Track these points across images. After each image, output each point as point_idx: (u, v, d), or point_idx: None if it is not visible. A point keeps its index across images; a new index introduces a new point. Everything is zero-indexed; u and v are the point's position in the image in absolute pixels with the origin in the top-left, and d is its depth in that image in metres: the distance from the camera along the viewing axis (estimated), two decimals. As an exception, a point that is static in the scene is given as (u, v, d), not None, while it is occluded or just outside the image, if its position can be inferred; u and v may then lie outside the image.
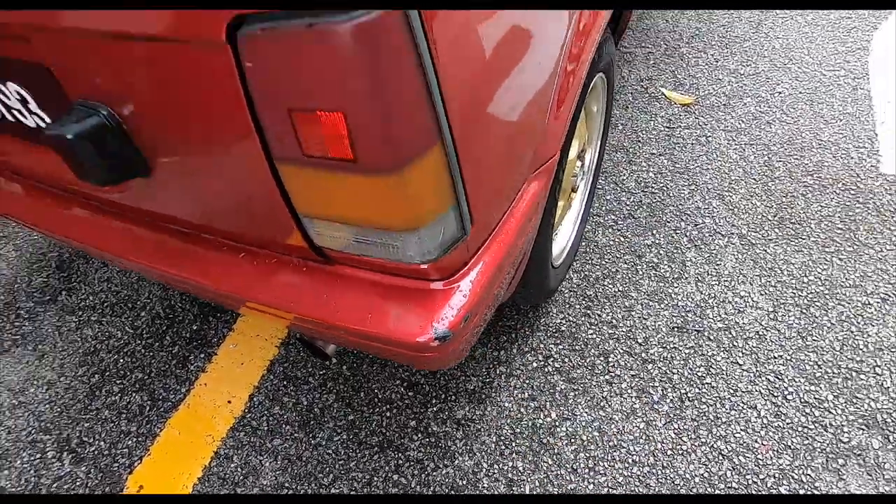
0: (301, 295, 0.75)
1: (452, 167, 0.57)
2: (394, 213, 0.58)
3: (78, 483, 1.27)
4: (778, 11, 2.12)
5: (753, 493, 1.08)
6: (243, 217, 0.70)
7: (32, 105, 0.73)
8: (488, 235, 0.74)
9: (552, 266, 1.19)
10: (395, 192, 0.55)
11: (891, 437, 1.11)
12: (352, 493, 1.17)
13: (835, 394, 1.19)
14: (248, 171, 0.59)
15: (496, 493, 1.14)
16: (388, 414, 1.27)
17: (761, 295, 1.36)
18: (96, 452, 1.31)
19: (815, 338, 1.27)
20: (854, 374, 1.21)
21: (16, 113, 0.77)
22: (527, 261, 0.96)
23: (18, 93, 0.73)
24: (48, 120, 0.74)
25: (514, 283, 0.97)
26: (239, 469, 1.23)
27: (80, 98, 0.63)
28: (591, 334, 1.35)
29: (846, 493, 1.06)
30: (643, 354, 1.30)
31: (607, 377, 1.27)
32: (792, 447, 1.13)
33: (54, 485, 1.27)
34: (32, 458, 1.32)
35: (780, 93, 1.84)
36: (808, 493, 1.07)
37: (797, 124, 1.73)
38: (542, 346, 1.34)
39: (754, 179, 1.61)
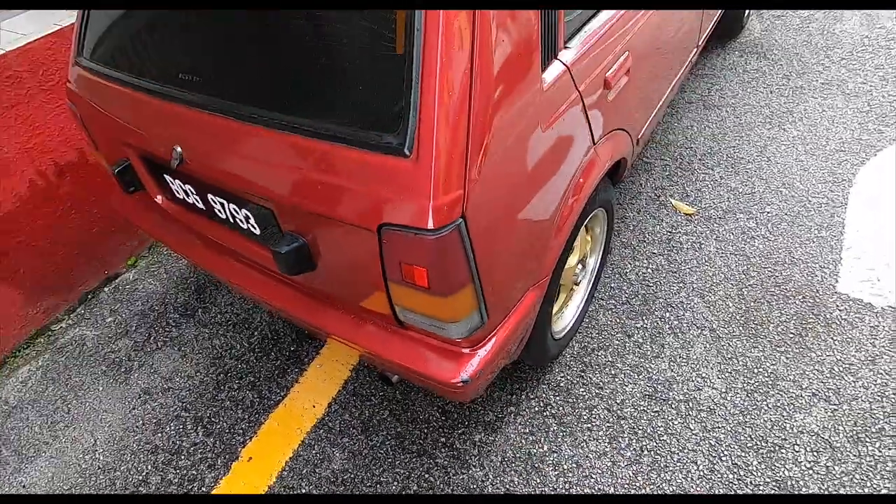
0: (386, 344, 1.27)
1: (478, 292, 1.08)
2: (444, 313, 1.09)
3: (207, 448, 1.82)
4: (782, 140, 2.54)
5: (682, 524, 1.48)
6: (361, 299, 1.24)
7: (252, 221, 1.31)
8: (498, 324, 1.23)
9: (553, 338, 1.67)
10: (446, 304, 1.06)
11: (793, 498, 1.49)
12: (395, 483, 1.65)
13: (759, 461, 1.57)
14: (372, 281, 1.13)
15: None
16: (425, 430, 1.76)
17: (718, 378, 1.77)
18: (220, 429, 1.87)
19: (753, 417, 1.66)
20: (777, 448, 1.59)
21: (238, 220, 1.36)
22: (529, 335, 1.45)
23: (246, 214, 1.30)
24: (258, 229, 1.31)
25: (518, 350, 1.46)
26: (318, 455, 1.75)
27: (288, 230, 1.20)
28: (582, 392, 1.79)
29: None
30: (619, 412, 1.73)
31: (589, 425, 1.71)
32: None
33: (191, 448, 1.83)
34: (178, 427, 1.89)
35: (768, 213, 2.24)
36: (724, 530, 1.46)
37: (776, 242, 2.13)
38: (543, 395, 1.80)
39: (732, 284, 2.02)
